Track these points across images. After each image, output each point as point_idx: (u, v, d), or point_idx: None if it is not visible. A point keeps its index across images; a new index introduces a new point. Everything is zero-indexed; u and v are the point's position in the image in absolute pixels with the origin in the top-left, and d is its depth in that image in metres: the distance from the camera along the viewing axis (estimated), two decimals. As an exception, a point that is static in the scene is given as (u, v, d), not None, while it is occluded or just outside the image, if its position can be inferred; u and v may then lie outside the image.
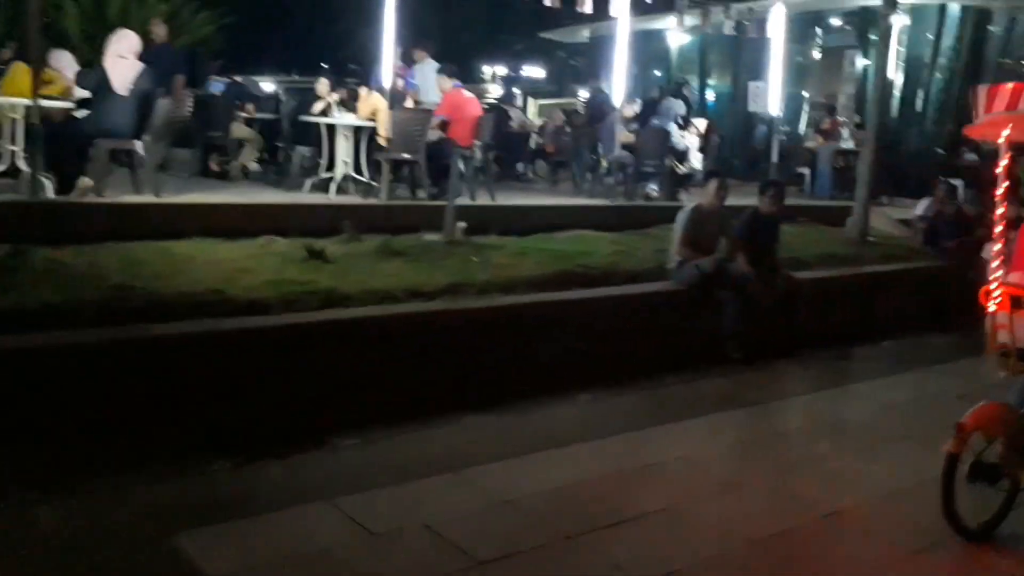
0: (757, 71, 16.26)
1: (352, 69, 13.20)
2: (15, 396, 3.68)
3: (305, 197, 7.81)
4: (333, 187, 8.20)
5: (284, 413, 4.36)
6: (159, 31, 8.98)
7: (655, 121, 10.71)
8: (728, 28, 10.12)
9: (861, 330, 7.32)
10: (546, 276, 6.07)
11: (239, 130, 9.54)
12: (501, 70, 29.21)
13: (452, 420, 4.62)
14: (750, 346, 6.26)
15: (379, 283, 5.42)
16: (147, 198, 6.78)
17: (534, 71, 30.12)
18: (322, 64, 16.49)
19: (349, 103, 9.10)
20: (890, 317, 7.64)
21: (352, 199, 8.04)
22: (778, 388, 5.87)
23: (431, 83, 9.34)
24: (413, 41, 10.19)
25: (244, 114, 9.90)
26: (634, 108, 11.25)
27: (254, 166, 9.50)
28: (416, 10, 28.27)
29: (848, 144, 13.04)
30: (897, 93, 14.17)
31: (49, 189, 6.26)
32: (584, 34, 22.99)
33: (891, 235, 9.48)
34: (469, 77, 25.19)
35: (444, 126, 8.46)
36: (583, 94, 28.68)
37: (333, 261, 5.79)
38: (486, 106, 10.55)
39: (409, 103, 8.80)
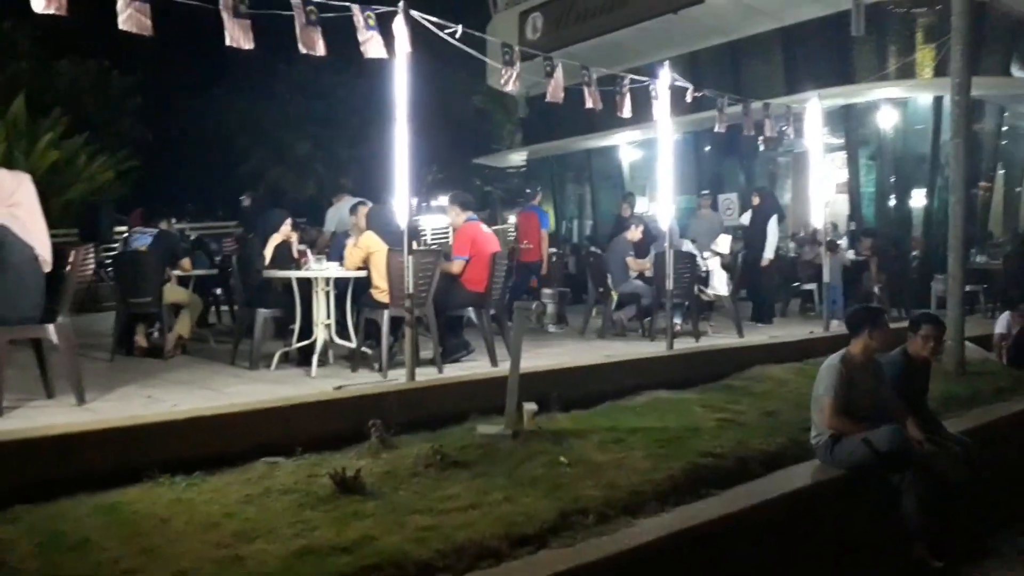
0: (731, 180, 15.69)
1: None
2: None
3: (296, 387, 5.86)
4: (314, 361, 6.36)
5: None
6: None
7: (662, 242, 9.37)
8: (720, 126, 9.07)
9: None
10: (674, 478, 4.32)
11: (174, 293, 7.61)
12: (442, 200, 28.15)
13: None
14: (945, 545, 4.62)
15: (455, 523, 3.57)
16: (68, 409, 4.78)
17: (444, 199, 29.27)
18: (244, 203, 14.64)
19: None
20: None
21: (344, 377, 6.17)
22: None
23: (345, 223, 8.08)
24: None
25: (178, 272, 7.99)
26: (639, 231, 9.86)
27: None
28: (333, 141, 27.21)
29: (850, 253, 12.10)
30: (893, 195, 13.47)
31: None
32: (517, 158, 22.41)
33: (981, 359, 8.19)
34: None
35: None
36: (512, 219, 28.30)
37: (371, 492, 3.89)
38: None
39: (351, 243, 7.09)
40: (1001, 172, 14.35)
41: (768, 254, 10.34)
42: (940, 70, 12.09)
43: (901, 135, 13.34)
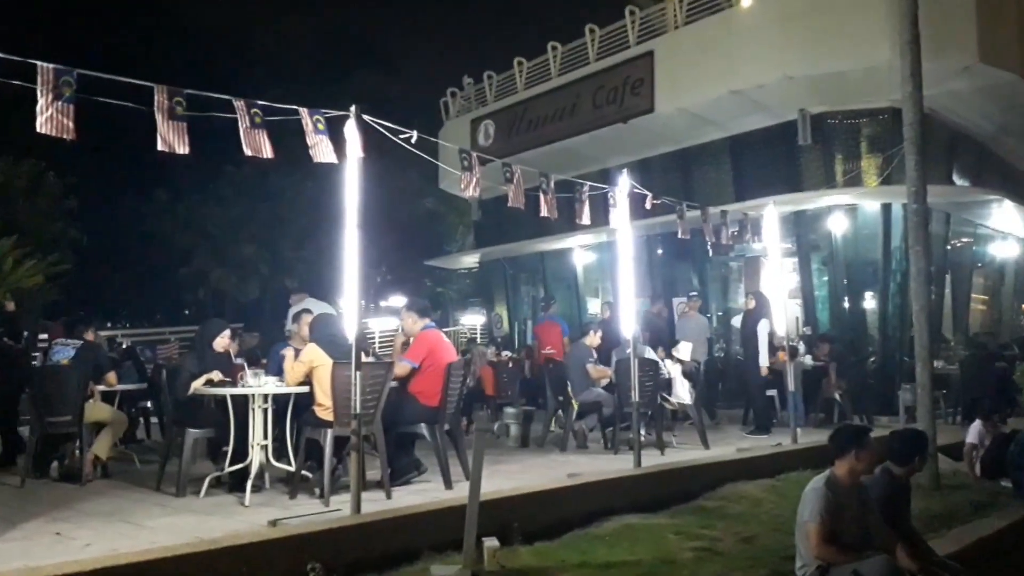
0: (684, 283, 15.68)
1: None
2: None
3: (227, 518, 5.30)
4: (248, 487, 5.82)
5: None
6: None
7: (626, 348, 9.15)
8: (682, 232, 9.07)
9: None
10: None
11: (96, 410, 7.04)
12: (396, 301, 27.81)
13: None
14: None
15: None
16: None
17: (395, 301, 28.98)
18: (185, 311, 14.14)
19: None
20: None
21: (281, 505, 5.64)
22: None
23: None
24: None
25: (102, 387, 7.42)
26: (598, 336, 9.62)
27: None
28: (278, 242, 26.91)
29: (807, 359, 12.00)
30: (847, 299, 13.53)
31: None
32: (470, 260, 22.33)
33: (951, 471, 7.97)
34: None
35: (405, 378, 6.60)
36: (469, 321, 28.06)
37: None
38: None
39: (289, 355, 6.67)
40: (948, 277, 14.61)
41: (764, 361, 10.17)
42: (888, 179, 12.34)
43: (852, 240, 13.50)
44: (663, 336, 11.14)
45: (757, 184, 13.56)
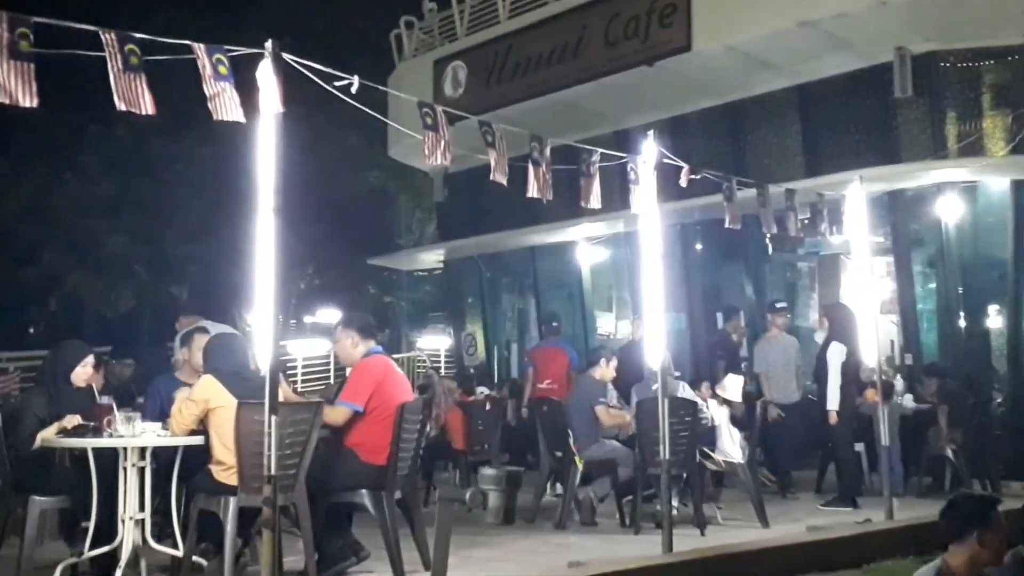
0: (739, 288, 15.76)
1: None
2: None
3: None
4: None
5: None
6: None
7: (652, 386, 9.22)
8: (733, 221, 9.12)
9: None
10: None
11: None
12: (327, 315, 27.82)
13: None
14: None
15: None
16: None
17: (326, 315, 28.91)
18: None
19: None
20: None
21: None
22: None
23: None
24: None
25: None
26: (611, 367, 9.74)
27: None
28: (162, 234, 26.81)
29: (907, 399, 12.12)
30: (963, 315, 13.64)
31: None
32: (431, 258, 22.39)
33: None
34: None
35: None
36: (430, 344, 28.04)
37: None
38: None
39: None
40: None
41: (832, 402, 10.30)
42: (1021, 146, 12.47)
43: (970, 233, 13.57)
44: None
45: (836, 153, 13.65)
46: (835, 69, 13.99)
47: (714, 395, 9.57)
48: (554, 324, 13.89)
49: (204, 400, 6.19)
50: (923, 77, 13.14)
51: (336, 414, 6.62)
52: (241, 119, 5.40)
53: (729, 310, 13.26)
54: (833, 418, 10.34)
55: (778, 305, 12.72)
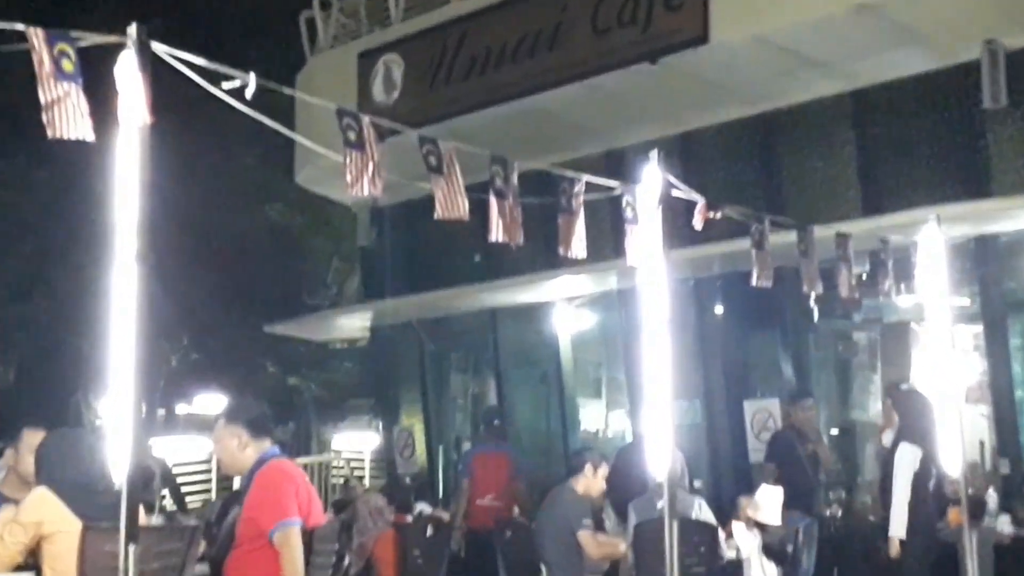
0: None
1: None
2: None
3: None
4: None
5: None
6: None
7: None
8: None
9: None
10: None
11: None
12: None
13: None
14: None
15: None
16: None
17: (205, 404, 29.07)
18: None
19: None
20: None
21: None
22: None
23: None
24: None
25: None
26: (600, 477, 9.87)
27: None
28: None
29: (1003, 521, 12.21)
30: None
31: None
32: (353, 324, 22.46)
33: None
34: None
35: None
36: (350, 444, 28.02)
37: None
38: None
39: None
40: None
41: (897, 527, 10.24)
42: None
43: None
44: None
45: (905, 184, 13.88)
46: (903, 70, 14.20)
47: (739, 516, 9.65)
48: (495, 423, 14.55)
49: (36, 523, 6.27)
50: (1020, 81, 13.36)
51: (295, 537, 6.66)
52: (89, 136, 5.37)
53: (799, 393, 13.36)
54: (894, 548, 10.27)
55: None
